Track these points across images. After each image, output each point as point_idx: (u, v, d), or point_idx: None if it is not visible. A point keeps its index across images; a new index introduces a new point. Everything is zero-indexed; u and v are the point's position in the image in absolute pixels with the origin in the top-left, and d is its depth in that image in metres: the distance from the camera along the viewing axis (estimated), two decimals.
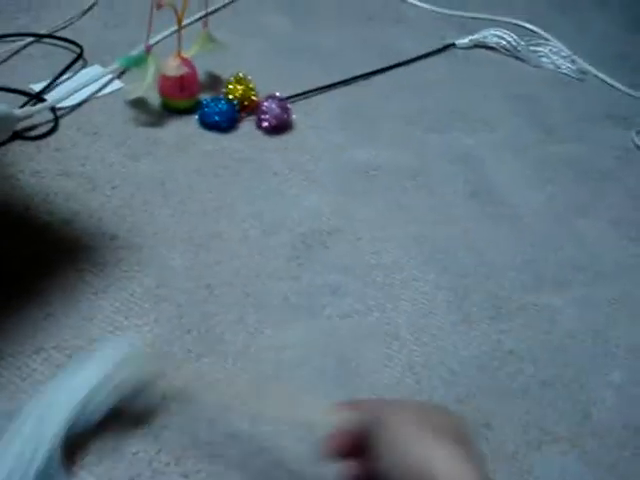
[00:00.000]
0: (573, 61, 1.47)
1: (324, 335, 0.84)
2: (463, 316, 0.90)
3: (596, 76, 1.46)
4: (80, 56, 1.20)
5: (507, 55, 1.47)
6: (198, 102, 1.13)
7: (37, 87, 1.12)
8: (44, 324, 0.80)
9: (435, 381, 0.81)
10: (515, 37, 1.47)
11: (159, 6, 1.01)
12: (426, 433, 0.51)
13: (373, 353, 0.83)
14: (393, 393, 0.79)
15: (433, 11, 1.57)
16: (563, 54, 1.48)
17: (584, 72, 1.46)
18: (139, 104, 1.13)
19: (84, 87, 1.14)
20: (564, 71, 1.45)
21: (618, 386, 0.86)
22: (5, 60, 1.18)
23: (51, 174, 0.99)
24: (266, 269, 0.91)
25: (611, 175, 1.20)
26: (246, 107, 1.14)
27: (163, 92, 1.12)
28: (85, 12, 1.33)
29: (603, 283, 0.99)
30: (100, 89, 1.15)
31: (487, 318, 0.90)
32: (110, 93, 1.16)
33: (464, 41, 1.46)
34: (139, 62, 1.09)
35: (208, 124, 1.11)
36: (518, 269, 0.98)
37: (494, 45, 1.47)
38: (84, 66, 1.20)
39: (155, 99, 1.14)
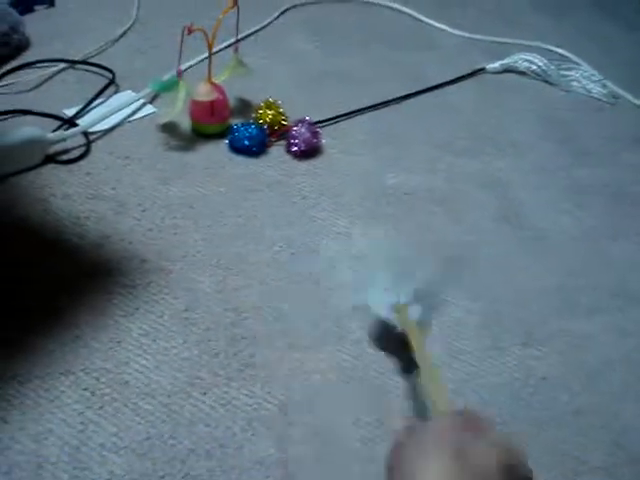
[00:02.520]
0: (604, 85, 1.45)
1: (353, 359, 0.83)
2: (494, 342, 0.89)
3: (628, 100, 1.44)
4: (112, 81, 1.22)
5: (537, 80, 1.46)
6: (228, 127, 1.14)
7: (70, 112, 1.14)
8: (72, 346, 0.80)
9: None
10: (545, 61, 1.46)
11: (190, 31, 1.02)
12: (438, 455, 0.49)
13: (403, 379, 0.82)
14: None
15: (463, 36, 1.57)
16: (594, 78, 1.46)
17: (615, 96, 1.45)
18: (170, 129, 1.14)
19: (116, 112, 1.15)
20: (595, 95, 1.44)
21: None
22: (39, 85, 1.20)
23: (82, 197, 1.00)
24: (294, 293, 0.90)
25: None
26: (276, 132, 1.15)
27: (194, 117, 1.13)
28: (118, 38, 1.35)
29: (636, 308, 0.97)
30: (132, 114, 1.17)
31: (519, 344, 0.89)
32: (142, 118, 1.17)
33: (494, 66, 1.46)
34: (170, 87, 1.11)
35: (238, 149, 1.12)
36: (550, 294, 0.97)
37: (524, 70, 1.46)
38: (116, 91, 1.21)
39: (186, 124, 1.14)
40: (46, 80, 1.22)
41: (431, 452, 0.49)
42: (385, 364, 0.83)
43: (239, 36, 1.19)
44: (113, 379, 0.78)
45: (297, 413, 0.77)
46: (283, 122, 1.14)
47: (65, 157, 1.06)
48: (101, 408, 0.75)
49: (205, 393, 0.78)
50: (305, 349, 0.84)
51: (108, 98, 1.19)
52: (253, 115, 1.16)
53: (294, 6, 1.57)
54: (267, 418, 0.76)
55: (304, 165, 1.12)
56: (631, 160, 1.27)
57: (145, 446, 0.72)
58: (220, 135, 1.14)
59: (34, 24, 1.33)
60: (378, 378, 0.82)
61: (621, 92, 1.46)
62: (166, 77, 1.16)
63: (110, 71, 1.24)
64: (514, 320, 0.92)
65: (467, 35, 1.58)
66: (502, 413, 0.80)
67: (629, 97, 1.45)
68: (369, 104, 1.27)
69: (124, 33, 1.37)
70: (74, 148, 1.08)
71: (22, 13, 1.33)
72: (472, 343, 0.88)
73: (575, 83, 1.46)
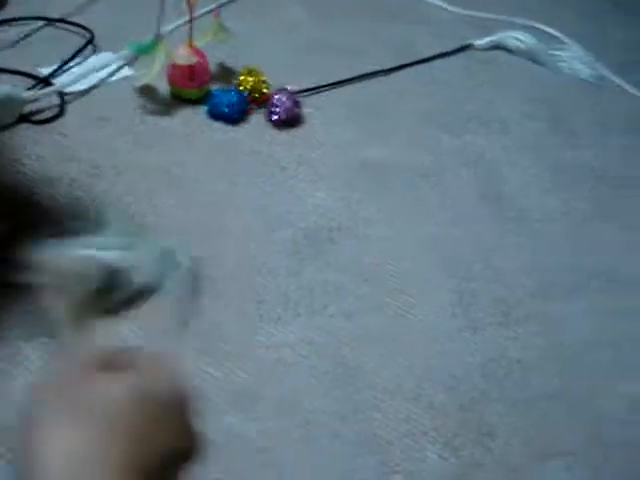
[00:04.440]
0: (593, 67, 1.43)
1: (324, 334, 0.82)
2: (469, 321, 0.87)
3: (615, 82, 1.43)
4: (91, 42, 1.19)
5: (525, 58, 1.44)
6: (208, 92, 1.11)
7: (45, 71, 1.11)
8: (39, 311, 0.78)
9: (437, 386, 0.79)
10: (535, 41, 1.44)
11: None
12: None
13: (373, 354, 0.81)
14: (392, 396, 0.77)
15: (453, 11, 1.54)
16: (583, 60, 1.44)
17: (603, 78, 1.43)
18: (148, 92, 1.11)
19: (93, 73, 1.12)
20: (583, 76, 1.42)
21: (630, 399, 0.82)
22: (16, 43, 1.17)
23: (56, 159, 0.98)
24: (268, 264, 0.88)
25: (629, 182, 1.16)
26: (257, 99, 1.12)
27: (173, 81, 1.10)
28: None
29: (616, 291, 0.96)
30: (109, 76, 1.14)
31: (494, 324, 0.88)
32: (119, 80, 1.14)
33: (483, 42, 1.43)
34: (149, 49, 1.08)
35: (217, 115, 1.09)
36: (528, 275, 0.95)
37: (513, 48, 1.44)
38: (94, 52, 1.18)
39: (164, 88, 1.12)
40: (23, 38, 1.18)
41: (51, 420, 0.38)
42: (357, 339, 0.82)
43: (222, 0, 1.16)
44: None
45: (266, 387, 0.76)
46: (264, 90, 1.12)
47: (39, 117, 1.04)
48: None
49: None
50: (277, 322, 0.82)
51: (86, 59, 1.16)
52: (234, 81, 1.13)
53: None
54: (236, 392, 0.74)
55: (284, 134, 1.10)
56: (618, 142, 1.26)
57: None
58: (199, 100, 1.11)
59: None
60: (349, 353, 0.80)
61: (610, 74, 1.44)
62: (145, 39, 1.12)
63: (89, 31, 1.20)
64: (490, 299, 0.90)
65: (457, 10, 1.55)
66: (473, 393, 0.79)
67: (618, 80, 1.43)
68: (354, 75, 1.25)
69: None
70: (48, 108, 1.05)
71: None
72: (446, 321, 0.87)
73: (563, 64, 1.44)
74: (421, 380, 0.79)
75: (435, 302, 0.89)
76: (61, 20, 1.23)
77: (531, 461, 0.74)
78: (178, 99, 1.11)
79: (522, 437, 0.76)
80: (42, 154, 0.98)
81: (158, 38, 1.07)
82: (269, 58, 1.22)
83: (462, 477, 0.72)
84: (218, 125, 1.09)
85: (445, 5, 1.56)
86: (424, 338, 0.84)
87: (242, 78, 1.12)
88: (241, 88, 1.11)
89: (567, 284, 0.95)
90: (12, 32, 1.18)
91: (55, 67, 1.11)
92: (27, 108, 1.03)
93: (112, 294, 0.75)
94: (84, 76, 1.11)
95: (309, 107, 1.14)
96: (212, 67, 1.14)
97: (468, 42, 1.43)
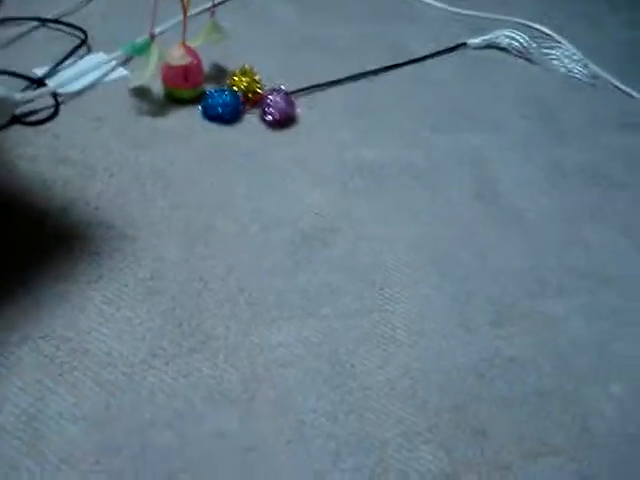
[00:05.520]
0: (585, 65, 1.44)
1: (319, 335, 0.82)
2: (463, 321, 0.88)
3: (608, 81, 1.43)
4: (84, 42, 1.19)
5: (519, 57, 1.44)
6: (202, 93, 1.12)
7: (39, 72, 1.11)
8: (33, 313, 0.78)
9: (431, 386, 0.79)
10: (528, 39, 1.44)
11: None
12: None
13: (368, 355, 0.81)
14: (386, 396, 0.77)
15: (446, 10, 1.55)
16: (575, 58, 1.45)
17: (596, 77, 1.44)
18: (142, 93, 1.12)
19: (87, 73, 1.12)
20: (576, 75, 1.43)
21: (619, 398, 0.83)
22: (9, 43, 1.17)
23: (49, 160, 0.98)
24: (262, 265, 0.89)
25: (620, 181, 1.17)
26: (250, 100, 1.12)
27: (167, 81, 1.11)
28: None
29: (608, 291, 0.97)
30: (103, 76, 1.14)
31: (487, 324, 0.88)
32: (113, 80, 1.14)
33: (476, 41, 1.44)
34: (143, 50, 1.08)
35: (211, 116, 1.09)
36: (522, 274, 0.96)
37: (506, 46, 1.45)
38: (88, 52, 1.18)
39: (158, 88, 1.12)
40: (16, 38, 1.18)
41: None
42: (351, 340, 0.82)
43: (216, 0, 1.16)
44: (74, 347, 0.76)
45: (260, 387, 0.76)
46: (258, 90, 1.12)
47: (33, 118, 1.04)
48: (60, 376, 0.73)
49: (167, 363, 0.76)
50: (271, 322, 0.82)
51: (79, 59, 1.16)
52: (227, 81, 1.13)
53: None
54: (229, 391, 0.75)
55: (278, 135, 1.10)
56: (609, 141, 1.26)
57: (104, 416, 0.70)
58: (193, 101, 1.11)
59: None
60: (344, 353, 0.81)
61: (602, 73, 1.45)
62: (139, 40, 1.13)
63: (83, 31, 1.20)
64: (484, 299, 0.91)
65: (450, 9, 1.56)
66: (467, 392, 0.80)
67: (610, 78, 1.44)
68: (348, 75, 1.25)
69: None
70: (42, 109, 1.05)
71: None
72: (440, 321, 0.87)
73: (556, 62, 1.45)
74: (415, 380, 0.80)
75: (429, 302, 0.89)
76: (55, 21, 1.23)
77: (523, 459, 0.75)
78: (172, 99, 1.11)
79: (514, 436, 0.77)
80: (35, 155, 0.98)
81: (152, 38, 1.07)
82: (262, 58, 1.22)
83: (455, 476, 0.72)
84: (212, 126, 1.09)
85: (438, 4, 1.56)
86: (418, 338, 0.85)
87: (236, 78, 1.12)
88: (235, 88, 1.11)
89: (560, 284, 0.96)
90: (6, 33, 1.18)
91: (49, 68, 1.11)
92: (20, 109, 1.03)
93: None
94: (78, 77, 1.11)
95: (303, 107, 1.15)
96: (206, 67, 1.15)
97: (462, 41, 1.43)
